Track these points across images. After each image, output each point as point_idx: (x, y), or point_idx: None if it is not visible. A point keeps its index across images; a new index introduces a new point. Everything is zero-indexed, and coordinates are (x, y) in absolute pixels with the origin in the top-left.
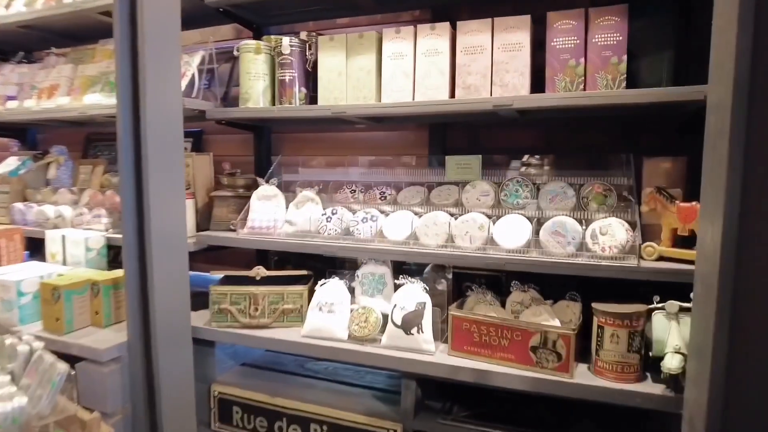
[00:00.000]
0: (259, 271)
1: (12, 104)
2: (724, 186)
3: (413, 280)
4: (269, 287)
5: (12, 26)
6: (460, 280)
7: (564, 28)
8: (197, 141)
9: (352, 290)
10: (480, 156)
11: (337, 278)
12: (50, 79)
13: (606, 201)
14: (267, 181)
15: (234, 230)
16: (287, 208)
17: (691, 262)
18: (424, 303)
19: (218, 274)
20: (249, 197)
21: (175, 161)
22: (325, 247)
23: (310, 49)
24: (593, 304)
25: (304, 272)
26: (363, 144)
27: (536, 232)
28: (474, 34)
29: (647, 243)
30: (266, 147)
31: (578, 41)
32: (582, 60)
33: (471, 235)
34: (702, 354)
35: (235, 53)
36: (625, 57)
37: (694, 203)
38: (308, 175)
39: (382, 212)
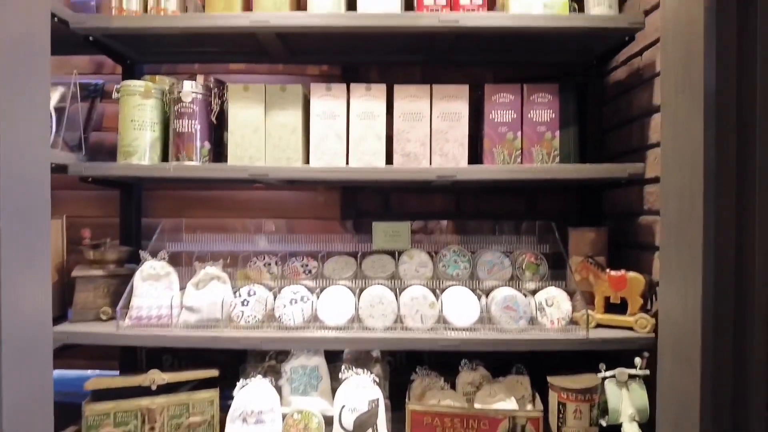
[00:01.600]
0: (155, 377)
1: None
2: (701, 263)
3: (360, 371)
4: (168, 397)
5: None
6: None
7: (502, 102)
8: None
9: (278, 389)
10: (409, 223)
11: (259, 376)
12: None
13: (539, 270)
14: (154, 255)
15: (104, 320)
16: (183, 289)
17: (625, 328)
18: (377, 400)
19: (92, 384)
20: (124, 276)
21: (39, 235)
22: (244, 340)
23: (216, 98)
24: (550, 379)
25: (212, 372)
26: (261, 206)
27: (485, 307)
28: (412, 99)
29: (582, 312)
30: (136, 207)
31: (515, 115)
32: (519, 134)
33: (422, 314)
34: (680, 428)
35: (115, 95)
36: (557, 133)
37: (622, 272)
38: (198, 244)
39: (309, 289)
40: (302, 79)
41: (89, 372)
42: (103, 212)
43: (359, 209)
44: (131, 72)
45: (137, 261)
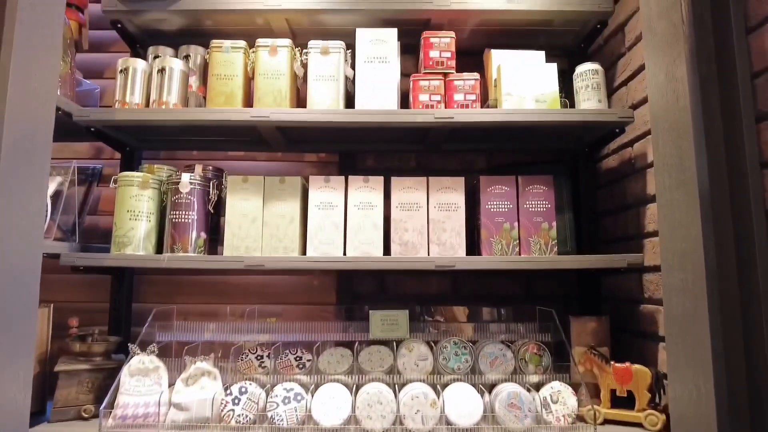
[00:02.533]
0: None
1: None
2: (711, 363)
3: None
4: None
5: None
6: None
7: (497, 192)
8: None
9: None
10: (407, 311)
11: None
12: None
13: (542, 361)
14: (143, 346)
15: (86, 419)
16: (171, 385)
17: (634, 425)
18: None
19: None
20: (110, 369)
21: (24, 330)
22: None
23: (214, 188)
24: None
25: None
26: (256, 290)
27: (488, 404)
28: (409, 191)
29: (588, 407)
30: (127, 293)
31: (511, 206)
32: (516, 224)
33: (423, 414)
34: None
35: (113, 185)
36: (554, 223)
37: (627, 364)
38: (190, 333)
39: (303, 386)
40: (300, 165)
41: None
42: (92, 297)
43: (355, 293)
44: (130, 158)
45: (126, 351)
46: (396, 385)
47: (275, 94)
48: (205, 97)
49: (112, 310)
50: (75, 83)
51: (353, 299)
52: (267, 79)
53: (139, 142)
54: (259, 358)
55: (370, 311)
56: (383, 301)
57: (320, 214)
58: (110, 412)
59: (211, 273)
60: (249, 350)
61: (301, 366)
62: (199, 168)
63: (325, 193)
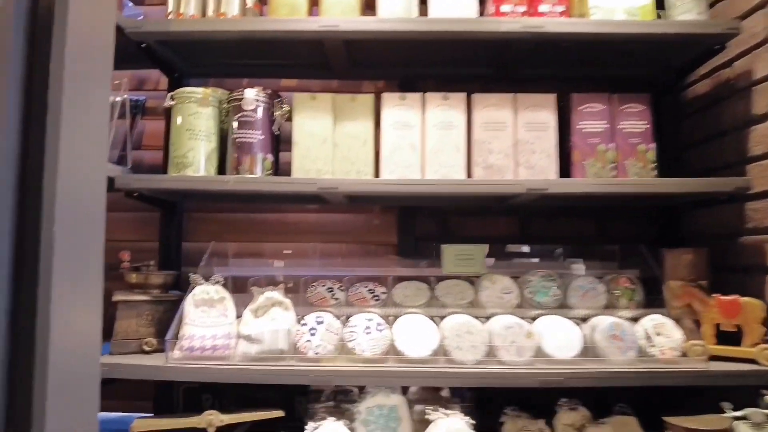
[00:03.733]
0: (212, 419)
1: None
2: None
3: (449, 411)
4: None
5: None
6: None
7: (590, 112)
8: None
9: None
10: (486, 246)
11: (331, 419)
12: None
13: (634, 296)
14: (206, 278)
15: (148, 352)
16: (239, 316)
17: (745, 360)
18: None
19: (139, 426)
20: (170, 302)
21: (93, 253)
22: (315, 374)
23: (278, 107)
24: (670, 420)
25: (277, 413)
26: (310, 228)
27: (587, 337)
28: (493, 108)
29: (693, 342)
30: (176, 230)
31: (606, 125)
32: (612, 145)
33: (518, 346)
34: None
35: (169, 102)
36: (653, 145)
37: (735, 296)
38: (246, 269)
39: (383, 318)
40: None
41: (115, 415)
42: (140, 236)
43: (417, 233)
44: (178, 85)
45: (180, 288)
46: (480, 318)
47: (343, 5)
48: (261, 15)
49: (162, 247)
50: (120, 4)
51: (415, 240)
52: None
53: (189, 66)
54: (329, 290)
55: (443, 246)
56: (446, 241)
57: (395, 135)
58: (175, 344)
59: (264, 210)
60: (318, 283)
61: (375, 298)
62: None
63: (401, 111)
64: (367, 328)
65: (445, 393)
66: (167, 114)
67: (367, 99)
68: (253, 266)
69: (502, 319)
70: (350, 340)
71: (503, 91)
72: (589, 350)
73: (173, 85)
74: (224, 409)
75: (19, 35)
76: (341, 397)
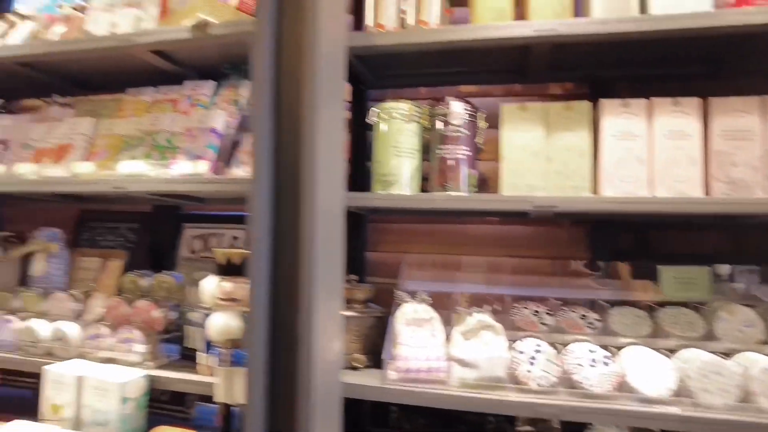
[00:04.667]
0: None
1: None
2: None
3: None
4: None
5: (8, 63)
6: None
7: None
8: None
9: None
10: (708, 269)
11: None
12: (56, 137)
13: None
14: (412, 295)
15: (356, 368)
16: (447, 337)
17: None
18: None
19: None
20: (374, 317)
21: (336, 267)
22: (539, 407)
23: (481, 120)
24: None
25: None
26: (490, 240)
27: None
28: (736, 114)
29: None
30: (362, 242)
31: None
32: None
33: None
34: None
35: (373, 119)
36: None
37: None
38: (445, 284)
39: (603, 348)
40: (543, 99)
41: None
42: None
43: (611, 247)
44: (361, 98)
45: (375, 302)
46: (718, 354)
47: (554, 4)
48: (453, 20)
49: (349, 258)
50: None
51: (611, 257)
52: None
53: (375, 78)
54: (535, 313)
55: (660, 267)
56: (644, 259)
57: (618, 146)
58: (390, 362)
59: (445, 221)
60: (522, 305)
61: (590, 325)
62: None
63: (624, 119)
64: (593, 360)
65: None
66: (351, 126)
67: (584, 107)
68: (440, 280)
69: (756, 360)
70: (575, 373)
71: (718, 93)
72: None
73: (357, 98)
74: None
75: (268, 60)
76: (541, 426)
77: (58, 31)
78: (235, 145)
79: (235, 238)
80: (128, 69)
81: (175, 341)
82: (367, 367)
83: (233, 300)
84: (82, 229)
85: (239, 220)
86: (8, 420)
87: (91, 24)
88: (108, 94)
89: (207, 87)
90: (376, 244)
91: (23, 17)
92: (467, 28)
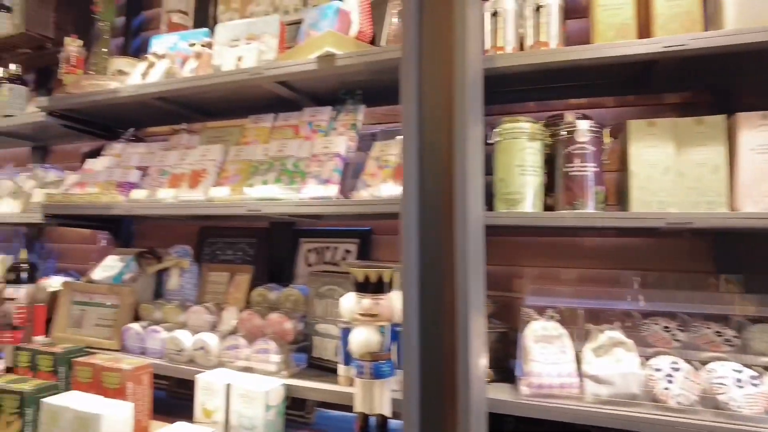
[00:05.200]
0: None
1: (138, 194)
2: None
3: None
4: None
5: (147, 98)
6: None
7: None
8: (364, 244)
9: None
10: None
11: None
12: (189, 163)
13: None
14: (539, 312)
15: (487, 383)
16: (577, 354)
17: None
18: None
19: None
20: (498, 333)
21: (479, 287)
22: (680, 425)
23: (611, 136)
24: None
25: None
26: (603, 253)
27: None
28: None
29: None
30: None
31: None
32: None
33: None
34: None
35: (494, 138)
36: None
37: None
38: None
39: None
40: (659, 109)
41: None
42: None
43: (740, 260)
44: None
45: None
46: None
47: (682, 18)
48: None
49: None
50: None
51: (739, 270)
52: (669, 0)
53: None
54: (666, 329)
55: None
56: None
57: (759, 160)
58: (520, 378)
59: (559, 234)
60: (650, 320)
61: (728, 342)
62: (570, 116)
63: (763, 132)
64: (738, 380)
65: None
66: None
67: (717, 121)
68: (558, 295)
69: None
70: (719, 393)
71: None
72: None
73: None
74: None
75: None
76: None
77: (189, 67)
78: (355, 167)
79: (347, 251)
80: (249, 97)
81: (301, 351)
82: (493, 381)
83: (372, 315)
84: (203, 244)
85: (350, 234)
86: (165, 421)
87: (217, 58)
88: (228, 120)
89: (325, 113)
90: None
91: (159, 57)
92: (592, 48)
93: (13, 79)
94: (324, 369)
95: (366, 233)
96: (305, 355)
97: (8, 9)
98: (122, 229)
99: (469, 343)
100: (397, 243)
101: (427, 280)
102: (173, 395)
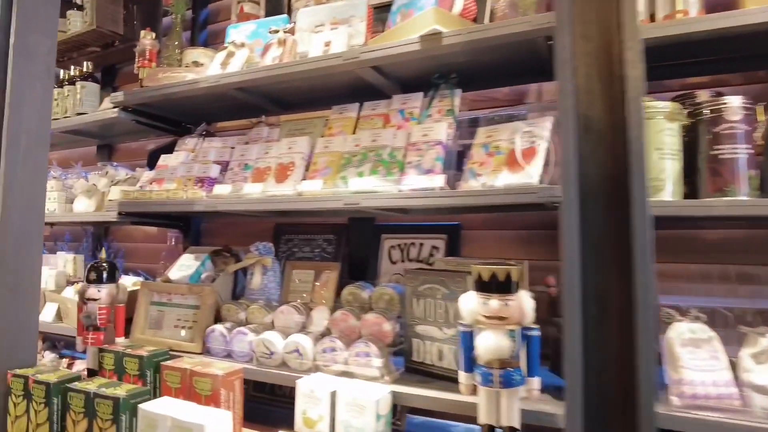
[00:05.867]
0: None
1: (222, 189)
2: None
3: None
4: None
5: (227, 89)
6: None
7: None
8: (453, 240)
9: None
10: None
11: None
12: (274, 156)
13: None
14: (681, 313)
15: None
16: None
17: None
18: None
19: None
20: None
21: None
22: None
23: (761, 113)
24: None
25: None
26: (728, 247)
27: None
28: None
29: None
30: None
31: None
32: None
33: None
34: None
35: None
36: None
37: None
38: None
39: None
40: None
41: None
42: (514, 253)
43: None
44: None
45: None
46: None
47: None
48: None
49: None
50: None
51: None
52: None
53: None
54: None
55: None
56: None
57: None
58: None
59: (675, 226)
60: None
61: None
62: (704, 95)
63: None
64: None
65: None
66: None
67: None
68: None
69: None
70: None
71: None
72: None
73: None
74: None
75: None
76: None
77: (272, 55)
78: (459, 155)
79: (434, 247)
80: (332, 86)
81: (398, 354)
82: None
83: (500, 318)
84: (279, 241)
85: (436, 230)
86: (257, 429)
87: (302, 45)
88: (305, 112)
89: (417, 99)
90: None
91: (238, 46)
92: (743, 13)
93: (86, 77)
94: (425, 374)
95: (454, 228)
96: (401, 358)
97: (81, 7)
98: (191, 228)
99: (650, 350)
100: (486, 239)
101: (590, 279)
102: (251, 399)
